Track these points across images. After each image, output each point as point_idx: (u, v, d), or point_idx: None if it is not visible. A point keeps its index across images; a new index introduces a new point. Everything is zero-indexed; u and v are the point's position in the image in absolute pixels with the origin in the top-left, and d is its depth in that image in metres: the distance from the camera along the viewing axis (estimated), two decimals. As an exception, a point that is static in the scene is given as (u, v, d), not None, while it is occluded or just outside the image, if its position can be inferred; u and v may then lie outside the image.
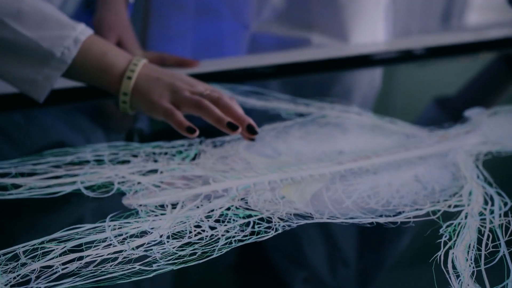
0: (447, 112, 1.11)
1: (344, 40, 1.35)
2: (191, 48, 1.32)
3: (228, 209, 0.74)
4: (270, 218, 0.73)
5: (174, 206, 0.74)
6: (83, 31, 0.87)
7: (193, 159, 0.85)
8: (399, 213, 0.75)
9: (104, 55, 0.88)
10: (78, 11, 1.15)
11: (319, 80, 1.22)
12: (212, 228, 0.70)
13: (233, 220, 0.72)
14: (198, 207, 0.74)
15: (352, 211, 0.75)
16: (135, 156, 0.85)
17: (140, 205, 0.74)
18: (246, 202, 0.76)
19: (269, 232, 0.70)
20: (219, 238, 0.68)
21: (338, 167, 0.85)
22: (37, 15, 0.85)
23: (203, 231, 0.70)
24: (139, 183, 0.78)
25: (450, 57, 1.37)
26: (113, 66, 0.88)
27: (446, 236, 0.70)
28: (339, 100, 1.07)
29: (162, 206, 0.74)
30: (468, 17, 2.64)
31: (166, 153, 0.86)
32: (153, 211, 0.73)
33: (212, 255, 0.66)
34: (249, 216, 0.73)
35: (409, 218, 0.74)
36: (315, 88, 1.18)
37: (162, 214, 0.72)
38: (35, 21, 0.85)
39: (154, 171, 0.81)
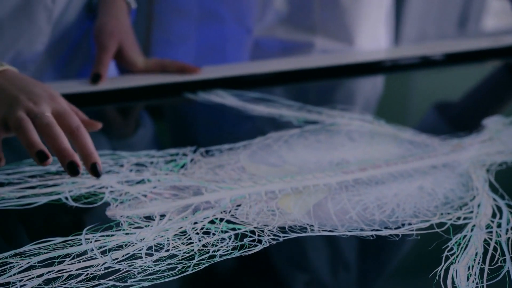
0: (445, 120, 1.09)
1: (349, 43, 1.35)
2: (194, 52, 1.33)
3: (212, 222, 0.71)
4: (255, 231, 0.70)
5: (162, 217, 0.71)
6: None
7: (184, 168, 0.82)
8: (403, 225, 0.73)
9: None
10: (80, 16, 1.14)
11: (328, 87, 1.20)
12: (190, 243, 0.67)
13: (215, 233, 0.69)
14: (183, 219, 0.71)
15: (356, 222, 0.72)
16: (121, 166, 0.82)
17: (122, 216, 0.71)
18: (234, 215, 0.72)
19: (256, 245, 0.67)
20: (195, 253, 0.65)
21: (345, 176, 0.82)
22: None
23: (191, 243, 0.67)
24: (126, 193, 0.75)
25: (466, 63, 1.33)
26: None
27: (452, 250, 0.68)
28: (349, 107, 1.05)
29: (147, 217, 0.71)
30: (485, 22, 2.60)
31: (157, 162, 0.83)
32: (137, 222, 0.70)
33: (188, 270, 0.63)
34: (233, 229, 0.70)
35: (412, 230, 0.71)
36: (325, 95, 1.16)
37: (146, 227, 0.69)
38: None
39: (142, 181, 0.78)
